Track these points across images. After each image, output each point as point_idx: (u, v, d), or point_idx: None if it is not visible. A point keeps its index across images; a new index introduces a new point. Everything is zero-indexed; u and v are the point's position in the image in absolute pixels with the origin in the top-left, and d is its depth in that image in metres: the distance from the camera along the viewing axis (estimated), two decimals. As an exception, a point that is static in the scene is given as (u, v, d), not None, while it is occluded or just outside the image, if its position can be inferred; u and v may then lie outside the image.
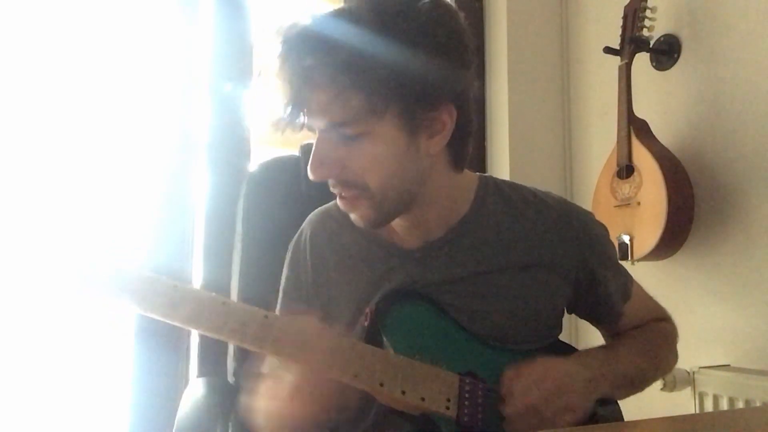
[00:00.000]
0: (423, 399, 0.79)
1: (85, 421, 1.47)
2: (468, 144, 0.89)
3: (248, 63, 1.69)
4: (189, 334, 1.53)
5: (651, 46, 1.69)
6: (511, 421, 0.80)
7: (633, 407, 1.01)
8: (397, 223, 0.91)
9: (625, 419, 0.97)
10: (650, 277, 1.65)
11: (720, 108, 1.58)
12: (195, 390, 1.06)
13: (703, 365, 1.50)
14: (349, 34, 0.76)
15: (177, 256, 1.57)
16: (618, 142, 1.66)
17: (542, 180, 2.00)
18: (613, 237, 1.61)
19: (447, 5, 0.83)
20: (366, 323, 0.85)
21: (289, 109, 0.79)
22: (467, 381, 0.83)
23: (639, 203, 1.60)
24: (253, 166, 1.30)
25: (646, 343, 0.99)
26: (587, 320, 1.05)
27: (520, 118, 2.01)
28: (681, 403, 1.51)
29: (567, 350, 0.96)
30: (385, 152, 0.80)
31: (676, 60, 1.69)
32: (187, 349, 1.54)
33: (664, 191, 1.54)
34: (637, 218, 1.60)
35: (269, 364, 0.84)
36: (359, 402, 0.82)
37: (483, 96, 2.07)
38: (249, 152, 1.69)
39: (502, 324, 0.89)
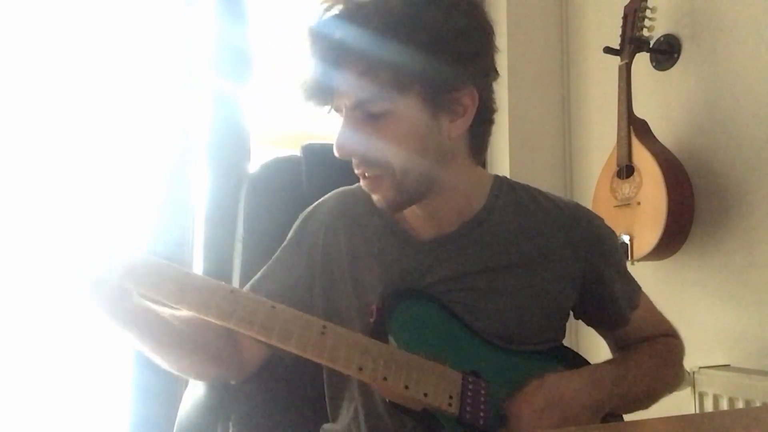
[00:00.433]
0: (426, 395, 0.79)
1: (85, 421, 1.47)
2: (488, 133, 0.92)
3: (248, 63, 1.69)
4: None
5: (651, 46, 1.69)
6: None
7: (633, 407, 1.01)
8: (413, 214, 0.93)
9: (625, 419, 0.97)
10: (650, 277, 1.66)
11: (720, 108, 1.58)
12: (195, 390, 1.06)
13: (703, 365, 1.50)
14: (379, 14, 0.79)
15: (177, 257, 1.57)
16: (618, 142, 1.66)
17: (542, 180, 2.00)
18: (613, 237, 1.63)
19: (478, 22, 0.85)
20: (372, 320, 0.86)
21: (318, 84, 0.82)
22: (470, 379, 0.83)
23: (639, 203, 1.60)
24: (253, 166, 1.30)
25: (655, 361, 0.98)
26: (594, 327, 1.05)
27: (520, 118, 2.01)
28: (681, 403, 1.51)
29: (574, 356, 0.96)
30: (408, 131, 0.83)
31: (676, 60, 1.69)
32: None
33: (664, 191, 1.54)
34: (637, 218, 1.60)
35: None
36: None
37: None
38: (249, 152, 1.68)
39: (508, 323, 0.90)
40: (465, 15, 0.82)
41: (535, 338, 0.92)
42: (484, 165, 2.01)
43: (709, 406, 1.47)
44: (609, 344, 1.06)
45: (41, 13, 1.47)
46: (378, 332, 0.84)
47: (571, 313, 1.00)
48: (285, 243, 1.00)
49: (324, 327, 0.79)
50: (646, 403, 0.97)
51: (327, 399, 0.98)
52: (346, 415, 0.94)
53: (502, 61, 2.04)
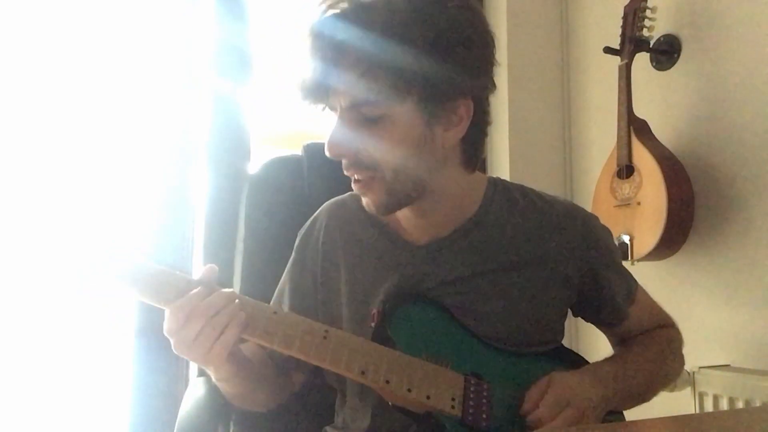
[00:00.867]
0: (428, 397, 0.80)
1: (86, 421, 1.47)
2: (481, 145, 0.91)
3: (248, 63, 1.69)
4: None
5: (651, 46, 1.69)
6: None
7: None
8: (408, 219, 0.93)
9: (626, 419, 0.97)
10: (650, 277, 1.65)
11: (720, 108, 1.59)
12: (196, 390, 1.05)
13: (703, 365, 1.50)
14: (381, 19, 0.78)
15: (178, 257, 1.57)
16: (618, 142, 1.66)
17: (542, 180, 2.00)
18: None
19: (476, 7, 0.86)
20: (373, 324, 0.86)
21: (316, 82, 0.82)
22: (472, 381, 0.84)
23: (639, 203, 1.60)
24: (253, 166, 1.30)
25: (655, 354, 0.99)
26: (593, 323, 1.06)
27: (520, 118, 2.01)
28: (681, 403, 1.51)
29: (572, 357, 0.97)
30: (402, 137, 0.83)
31: (676, 60, 1.69)
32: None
33: (664, 191, 1.54)
34: (637, 218, 1.60)
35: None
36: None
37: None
38: (249, 152, 1.68)
39: (507, 325, 0.90)
40: (470, 26, 0.82)
41: (534, 339, 0.92)
42: (484, 166, 2.03)
43: (709, 406, 1.47)
44: (609, 339, 1.08)
45: (41, 13, 1.47)
46: (379, 336, 0.84)
47: (570, 311, 1.01)
48: (290, 263, 1.01)
49: (326, 332, 0.80)
50: (648, 396, 0.98)
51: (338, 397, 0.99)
52: (348, 415, 0.94)
53: (502, 61, 2.04)
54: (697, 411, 1.47)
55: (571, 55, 2.09)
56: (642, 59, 1.72)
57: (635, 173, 1.62)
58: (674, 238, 1.58)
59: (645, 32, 1.66)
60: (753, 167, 1.51)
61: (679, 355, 1.03)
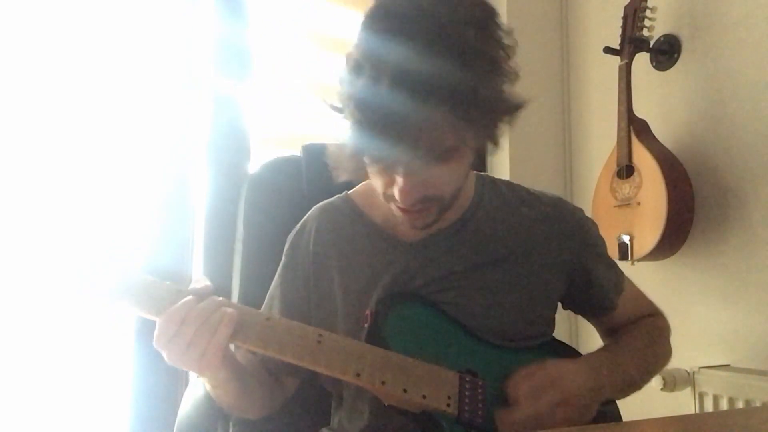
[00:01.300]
0: (424, 397, 0.80)
1: (86, 421, 1.47)
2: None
3: (248, 63, 1.69)
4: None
5: (651, 46, 1.69)
6: (511, 424, 0.81)
7: (633, 407, 1.01)
8: (398, 217, 0.92)
9: (625, 419, 0.98)
10: (650, 277, 1.66)
11: (720, 108, 1.58)
12: (195, 390, 1.06)
13: (703, 365, 1.50)
14: (449, 73, 0.73)
15: (177, 257, 1.57)
16: (618, 142, 1.66)
17: (542, 180, 2.00)
18: (613, 237, 1.63)
19: (513, 38, 0.89)
20: (366, 325, 0.86)
21: (404, 123, 0.74)
22: (467, 379, 0.84)
23: (639, 203, 1.60)
24: (253, 166, 1.30)
25: (645, 342, 1.01)
26: (582, 315, 1.08)
27: (521, 118, 2.00)
28: (681, 403, 1.51)
29: (566, 349, 0.98)
30: (465, 167, 0.85)
31: (676, 60, 1.69)
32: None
33: (664, 191, 1.54)
34: (637, 218, 1.60)
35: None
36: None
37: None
38: (249, 152, 1.68)
39: (499, 319, 0.90)
40: (512, 60, 0.88)
41: (526, 332, 0.93)
42: (484, 165, 2.03)
43: (709, 406, 1.47)
44: (598, 330, 1.10)
45: (41, 13, 1.47)
46: (373, 337, 0.84)
47: (560, 304, 1.02)
48: (280, 267, 1.00)
49: (320, 335, 0.80)
50: (640, 384, 0.99)
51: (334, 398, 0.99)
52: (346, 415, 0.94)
53: (502, 61, 2.05)
54: (697, 411, 1.47)
55: (571, 55, 2.09)
56: (642, 59, 1.72)
57: (635, 173, 1.62)
58: (674, 238, 1.58)
59: (645, 32, 1.66)
60: (753, 167, 1.51)
61: (667, 343, 1.05)
